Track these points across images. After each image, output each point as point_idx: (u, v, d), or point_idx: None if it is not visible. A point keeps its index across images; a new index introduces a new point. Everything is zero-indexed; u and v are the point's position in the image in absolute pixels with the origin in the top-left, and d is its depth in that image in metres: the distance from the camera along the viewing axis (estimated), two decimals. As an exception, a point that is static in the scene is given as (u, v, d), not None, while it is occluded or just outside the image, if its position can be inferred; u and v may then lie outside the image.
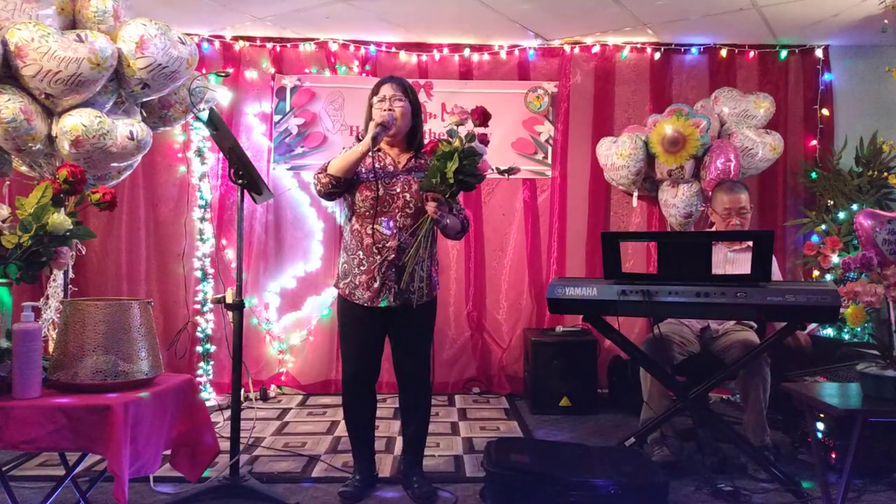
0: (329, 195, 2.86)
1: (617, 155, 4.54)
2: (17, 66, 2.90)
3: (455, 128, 2.72)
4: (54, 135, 3.07)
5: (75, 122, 3.03)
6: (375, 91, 2.88)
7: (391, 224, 2.79)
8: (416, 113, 2.91)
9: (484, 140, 2.77)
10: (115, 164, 3.30)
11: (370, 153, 2.75)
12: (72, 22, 3.16)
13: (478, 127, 2.73)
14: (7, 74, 2.94)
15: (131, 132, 3.19)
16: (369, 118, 2.86)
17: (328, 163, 2.84)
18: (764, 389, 3.17)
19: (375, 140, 2.73)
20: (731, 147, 4.36)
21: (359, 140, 2.88)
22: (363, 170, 2.81)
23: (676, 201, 4.50)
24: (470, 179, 2.68)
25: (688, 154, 4.34)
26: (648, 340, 3.35)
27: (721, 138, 4.50)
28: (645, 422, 3.29)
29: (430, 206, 2.71)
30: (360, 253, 2.82)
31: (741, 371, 3.16)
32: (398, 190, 2.81)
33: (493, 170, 2.78)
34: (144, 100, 3.38)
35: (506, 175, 2.82)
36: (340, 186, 2.81)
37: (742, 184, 3.72)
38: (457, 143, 2.66)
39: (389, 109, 2.80)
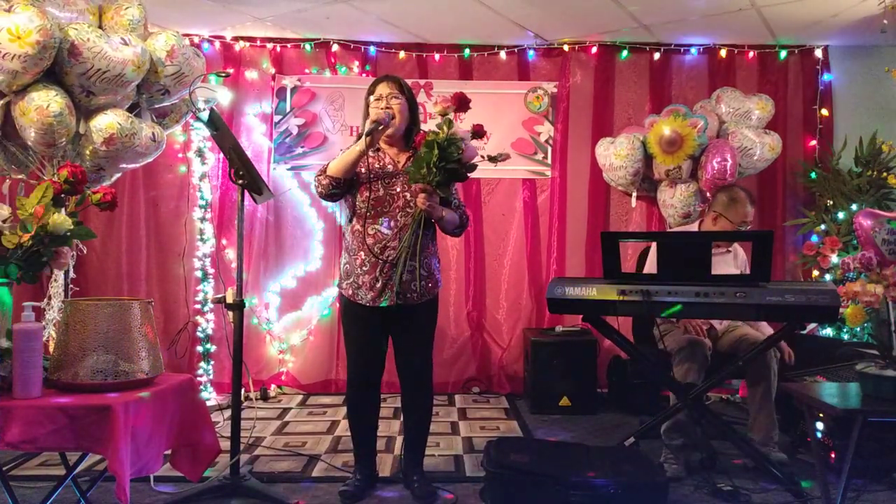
0: (330, 196, 2.84)
1: (615, 155, 4.54)
2: (67, 63, 2.95)
3: (441, 118, 2.70)
4: (81, 132, 3.12)
5: (111, 121, 3.11)
6: (371, 90, 2.87)
7: (392, 224, 2.79)
8: (412, 110, 2.90)
9: (480, 131, 2.75)
10: (124, 165, 3.35)
11: (369, 151, 2.75)
12: (98, 28, 3.22)
13: (456, 111, 2.71)
14: (49, 70, 2.97)
15: (153, 133, 3.32)
16: (367, 118, 2.85)
17: (327, 164, 2.84)
18: (774, 384, 3.19)
19: (372, 137, 2.72)
20: (727, 147, 4.36)
21: (358, 139, 2.88)
22: (363, 170, 2.81)
23: (674, 201, 4.51)
24: (454, 167, 2.66)
25: (685, 154, 4.35)
26: (686, 341, 3.25)
27: (720, 138, 4.50)
28: (657, 424, 3.19)
29: (420, 198, 2.70)
30: (362, 254, 2.81)
31: (749, 366, 3.16)
32: (398, 190, 2.80)
33: (481, 157, 2.76)
34: (157, 106, 3.46)
35: (495, 162, 2.77)
36: (341, 187, 2.80)
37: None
38: (441, 133, 2.64)
39: (387, 107, 2.80)
